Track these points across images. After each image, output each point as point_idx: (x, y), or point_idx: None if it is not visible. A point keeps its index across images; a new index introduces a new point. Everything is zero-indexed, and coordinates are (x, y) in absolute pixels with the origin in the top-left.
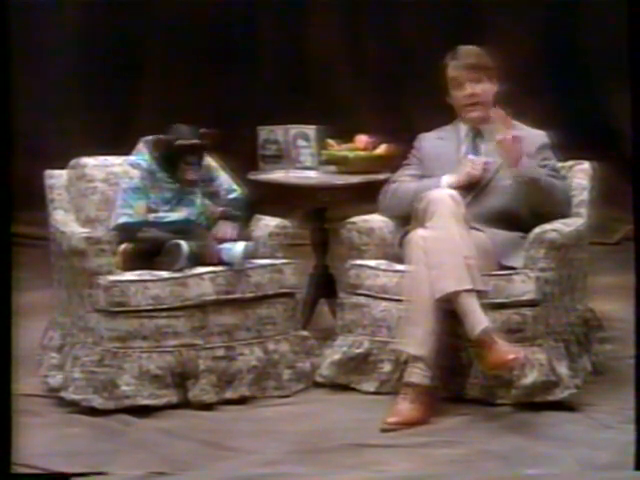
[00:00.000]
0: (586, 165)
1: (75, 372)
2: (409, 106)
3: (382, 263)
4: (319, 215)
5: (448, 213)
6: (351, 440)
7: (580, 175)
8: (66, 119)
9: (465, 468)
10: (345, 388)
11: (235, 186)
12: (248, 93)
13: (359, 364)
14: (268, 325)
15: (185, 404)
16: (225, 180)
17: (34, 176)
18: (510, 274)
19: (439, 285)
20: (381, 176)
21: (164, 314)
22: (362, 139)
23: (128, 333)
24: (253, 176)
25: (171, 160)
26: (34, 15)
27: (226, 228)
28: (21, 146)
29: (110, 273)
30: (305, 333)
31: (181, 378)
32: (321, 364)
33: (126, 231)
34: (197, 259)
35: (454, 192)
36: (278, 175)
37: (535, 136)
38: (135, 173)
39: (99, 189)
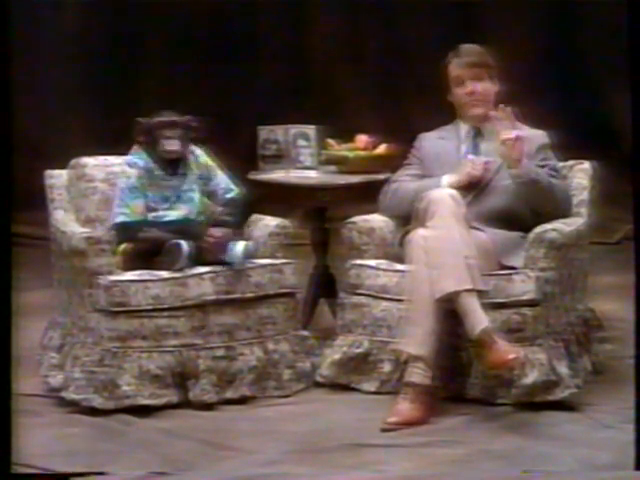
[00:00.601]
0: (586, 165)
1: (75, 372)
2: (409, 106)
3: (382, 263)
4: (319, 215)
5: (448, 213)
6: (351, 440)
7: (580, 175)
8: (66, 119)
9: (465, 468)
10: (345, 388)
11: (233, 185)
12: (248, 93)
13: (359, 364)
14: (268, 325)
15: (185, 404)
16: (223, 179)
17: (34, 176)
18: (510, 274)
19: (439, 285)
20: (381, 176)
21: (164, 314)
22: (362, 139)
23: (128, 333)
24: (253, 176)
25: (151, 138)
26: (34, 15)
27: (216, 232)
28: (21, 146)
29: (110, 273)
30: (305, 333)
31: (181, 378)
32: (321, 364)
33: (124, 230)
34: (197, 257)
35: (454, 192)
36: (278, 175)
37: (535, 136)
38: (132, 172)
39: (99, 189)
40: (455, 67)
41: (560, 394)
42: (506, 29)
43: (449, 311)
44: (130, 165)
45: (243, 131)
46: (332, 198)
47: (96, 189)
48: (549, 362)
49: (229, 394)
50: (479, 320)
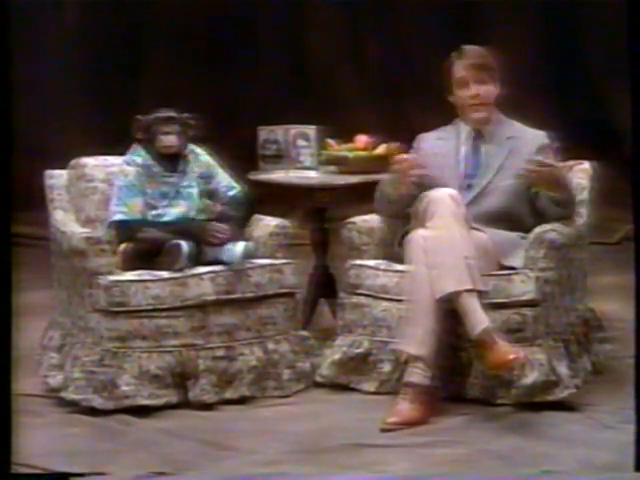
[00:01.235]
0: (586, 165)
1: (75, 372)
2: (409, 106)
3: (382, 263)
4: (319, 215)
5: (448, 213)
6: (351, 440)
7: (580, 175)
8: (66, 119)
9: (465, 468)
10: (345, 388)
11: (234, 184)
12: (248, 93)
13: (359, 364)
14: (268, 325)
15: (185, 404)
16: (224, 178)
17: (34, 176)
18: (510, 274)
19: (439, 285)
20: (381, 176)
21: (164, 314)
22: (362, 139)
23: (128, 333)
24: (253, 176)
25: (150, 134)
26: (34, 15)
27: (221, 225)
28: (21, 146)
29: (110, 273)
30: (305, 333)
31: (181, 378)
32: (321, 364)
33: (122, 229)
34: (197, 257)
35: (454, 192)
36: (278, 175)
37: (535, 136)
38: (130, 170)
39: (99, 189)
40: (459, 68)
41: (560, 394)
42: (506, 30)
43: (449, 311)
44: (128, 163)
45: (243, 131)
46: (332, 198)
47: (96, 189)
48: (549, 362)
49: (229, 394)
50: (479, 320)
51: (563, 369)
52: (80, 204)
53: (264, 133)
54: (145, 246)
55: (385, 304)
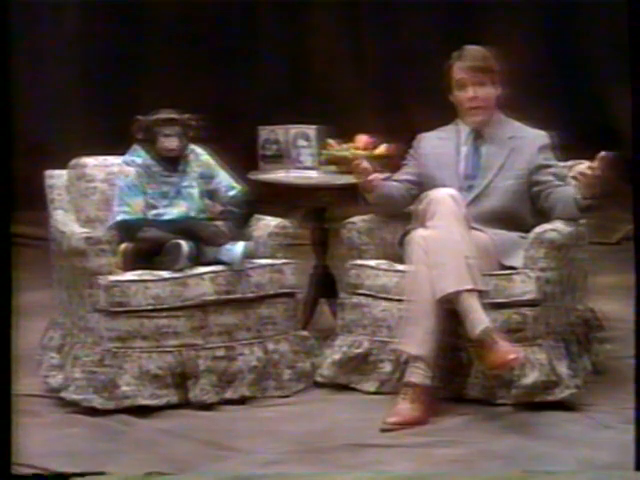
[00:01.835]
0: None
1: (75, 372)
2: (409, 106)
3: (382, 263)
4: (319, 215)
5: (449, 213)
6: (351, 440)
7: None
8: (66, 119)
9: (465, 468)
10: (345, 388)
11: (234, 184)
12: (248, 93)
13: (359, 364)
14: (268, 325)
15: (185, 404)
16: (225, 178)
17: (34, 176)
18: (510, 274)
19: (440, 285)
20: (381, 176)
21: (164, 314)
22: (362, 139)
23: (128, 333)
24: (253, 176)
25: (150, 135)
26: (34, 15)
27: (221, 223)
28: (21, 146)
29: (110, 273)
30: (305, 333)
31: (181, 378)
32: (321, 364)
33: (125, 229)
34: (197, 257)
35: (455, 192)
36: (278, 175)
37: (536, 137)
38: (130, 170)
39: (99, 189)
40: (458, 70)
41: (560, 394)
42: (507, 30)
43: (449, 311)
44: (128, 163)
45: (243, 131)
46: (332, 198)
47: (96, 189)
48: (549, 362)
49: (229, 394)
50: (480, 320)
51: (563, 369)
52: (80, 204)
53: (264, 133)
54: (145, 246)
55: (385, 304)
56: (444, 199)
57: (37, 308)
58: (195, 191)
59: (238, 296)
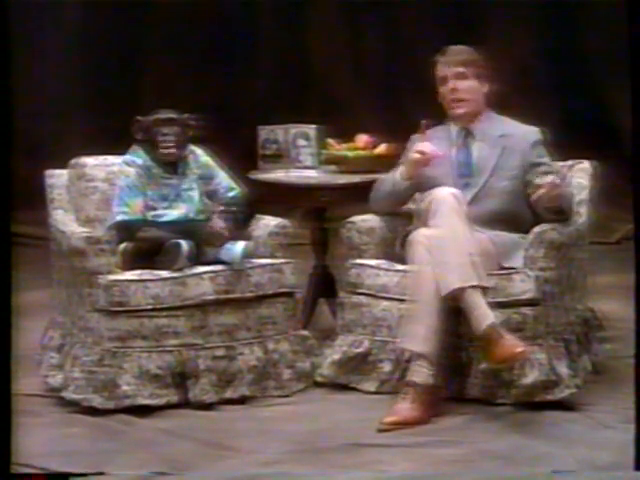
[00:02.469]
0: (586, 164)
1: (75, 372)
2: (409, 106)
3: (382, 262)
4: (319, 215)
5: (451, 211)
6: (351, 440)
7: (580, 174)
8: (66, 119)
9: (465, 468)
10: (345, 388)
11: (234, 185)
12: (248, 93)
13: (359, 364)
14: (268, 325)
15: (185, 404)
16: (224, 178)
17: (34, 176)
18: (510, 273)
19: (445, 282)
20: (381, 176)
21: (164, 314)
22: (362, 138)
23: (128, 333)
24: (253, 176)
25: (149, 135)
26: (34, 15)
27: (219, 222)
28: (21, 146)
29: (110, 273)
30: (305, 333)
31: (181, 378)
32: (321, 364)
33: (124, 229)
34: (197, 256)
35: (456, 191)
36: (278, 175)
37: (528, 133)
38: (131, 171)
39: (99, 189)
40: (440, 67)
41: (560, 394)
42: (506, 29)
43: (451, 310)
44: (128, 164)
45: (243, 131)
46: (332, 198)
47: (96, 189)
48: (549, 362)
49: (229, 394)
50: (485, 316)
51: (563, 369)
52: (80, 204)
53: (264, 133)
54: (145, 245)
55: (385, 304)
56: (446, 198)
57: (37, 308)
58: (195, 193)
59: (238, 296)
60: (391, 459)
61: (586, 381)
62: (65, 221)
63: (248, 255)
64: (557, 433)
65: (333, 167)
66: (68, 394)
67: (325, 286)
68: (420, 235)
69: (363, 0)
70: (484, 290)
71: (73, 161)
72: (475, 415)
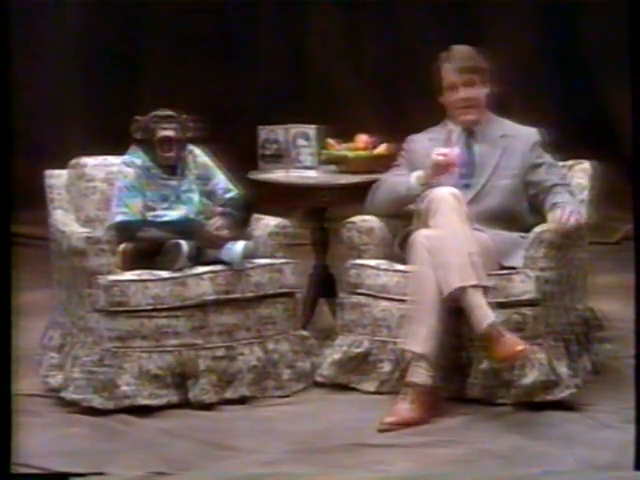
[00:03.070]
0: (586, 164)
1: (75, 372)
2: (409, 106)
3: (382, 263)
4: (319, 215)
5: (451, 211)
6: (351, 440)
7: (580, 175)
8: (66, 119)
9: (465, 468)
10: (345, 388)
11: (232, 186)
12: (248, 93)
13: (359, 364)
14: (268, 325)
15: (185, 404)
16: (222, 180)
17: (34, 176)
18: (510, 273)
19: (445, 282)
20: (381, 176)
21: (164, 314)
22: (362, 139)
23: (128, 333)
24: (253, 175)
25: (148, 134)
26: (34, 15)
27: (220, 222)
28: (21, 146)
29: (110, 273)
30: (305, 333)
31: (181, 378)
32: (321, 364)
33: (124, 230)
34: (197, 256)
35: (456, 190)
36: (278, 175)
37: (528, 134)
38: (130, 171)
39: (99, 189)
40: (447, 72)
41: (560, 394)
42: (506, 29)
43: (451, 310)
44: (127, 164)
45: (243, 131)
46: (332, 198)
47: (96, 189)
48: (549, 362)
49: (229, 394)
50: (486, 315)
51: (563, 369)
52: (80, 204)
53: (264, 133)
54: (145, 246)
55: (385, 304)
56: (445, 197)
57: (37, 308)
58: (194, 194)
59: (238, 296)
60: (391, 459)
61: (586, 381)
62: (65, 221)
63: (248, 255)
64: (557, 433)
65: (333, 167)
66: (68, 394)
67: (325, 286)
68: (420, 236)
69: (363, 0)
70: (484, 290)
71: (73, 161)
72: (475, 415)
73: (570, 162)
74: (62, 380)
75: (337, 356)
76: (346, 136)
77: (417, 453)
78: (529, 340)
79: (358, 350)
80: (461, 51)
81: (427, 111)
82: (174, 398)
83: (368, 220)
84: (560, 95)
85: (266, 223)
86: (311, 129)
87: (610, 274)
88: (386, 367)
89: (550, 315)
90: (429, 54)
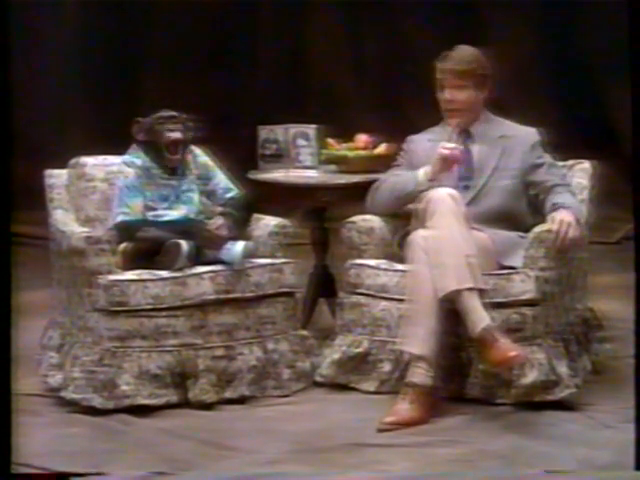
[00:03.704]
0: (586, 164)
1: (75, 372)
2: (409, 106)
3: (382, 262)
4: (319, 215)
5: (448, 212)
6: (351, 440)
7: (580, 174)
8: (66, 119)
9: (465, 468)
10: (345, 388)
11: (232, 186)
12: (248, 93)
13: (359, 363)
14: (268, 325)
15: (185, 404)
16: (222, 180)
17: (34, 176)
18: (510, 273)
19: (441, 284)
20: (381, 176)
21: (164, 314)
22: (362, 138)
23: (128, 332)
24: (253, 175)
25: (152, 134)
26: (34, 15)
27: (220, 222)
28: (21, 146)
29: (110, 272)
30: (305, 333)
31: (181, 378)
32: (321, 364)
33: (125, 230)
34: (197, 256)
35: (454, 191)
36: (278, 174)
37: (527, 134)
38: (130, 171)
39: (99, 188)
40: (439, 71)
41: (560, 394)
42: (506, 29)
43: (450, 311)
44: (127, 164)
45: (243, 131)
46: (332, 198)
47: (96, 188)
48: (549, 362)
49: (228, 394)
50: (480, 318)
51: (563, 369)
52: (80, 203)
53: (264, 132)
54: (145, 245)
55: (385, 304)
56: (443, 198)
57: (37, 308)
58: (194, 194)
59: (237, 296)
60: (391, 459)
61: (586, 381)
62: (65, 221)
63: (248, 255)
64: (557, 433)
65: (333, 167)
66: (68, 394)
67: (325, 286)
68: (418, 236)
69: (363, 0)
70: (481, 292)
71: (73, 161)
72: (475, 415)
73: (570, 162)
74: (62, 380)
75: (337, 356)
76: (346, 136)
77: (417, 453)
78: (529, 340)
79: (358, 350)
80: (460, 53)
81: (427, 111)
82: (174, 398)
83: (368, 220)
84: (560, 95)
85: (266, 223)
86: (311, 129)
87: (610, 274)
88: (386, 367)
89: (550, 315)
90: (429, 54)
